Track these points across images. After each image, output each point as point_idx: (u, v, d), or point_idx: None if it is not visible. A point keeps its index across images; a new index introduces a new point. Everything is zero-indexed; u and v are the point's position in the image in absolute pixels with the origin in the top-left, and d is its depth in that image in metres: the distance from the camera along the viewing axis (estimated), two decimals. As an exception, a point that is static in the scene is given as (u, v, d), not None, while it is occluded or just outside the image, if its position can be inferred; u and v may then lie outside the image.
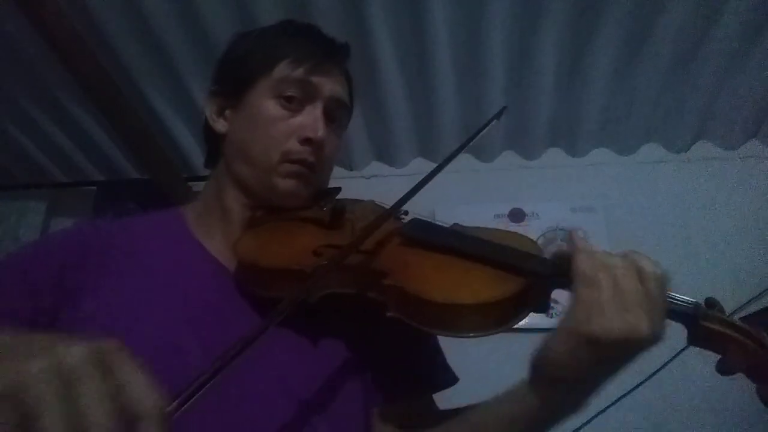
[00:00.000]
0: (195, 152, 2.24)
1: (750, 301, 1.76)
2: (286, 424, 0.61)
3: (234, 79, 0.76)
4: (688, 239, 1.95)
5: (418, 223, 0.68)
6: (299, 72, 0.72)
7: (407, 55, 1.81)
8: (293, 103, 0.72)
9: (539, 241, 2.05)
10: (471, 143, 0.82)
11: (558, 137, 2.13)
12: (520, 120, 2.04)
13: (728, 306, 1.87)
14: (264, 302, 0.66)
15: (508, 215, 2.10)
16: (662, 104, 1.94)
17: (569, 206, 2.07)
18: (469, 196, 2.11)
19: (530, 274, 0.57)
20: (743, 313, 1.72)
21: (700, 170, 2.05)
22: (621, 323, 0.48)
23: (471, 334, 0.55)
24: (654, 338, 0.50)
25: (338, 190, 0.80)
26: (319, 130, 0.71)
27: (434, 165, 2.45)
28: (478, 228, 0.68)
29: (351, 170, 2.30)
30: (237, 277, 0.68)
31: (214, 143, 0.79)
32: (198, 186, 2.23)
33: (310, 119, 0.72)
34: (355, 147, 2.21)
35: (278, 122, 0.72)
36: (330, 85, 0.74)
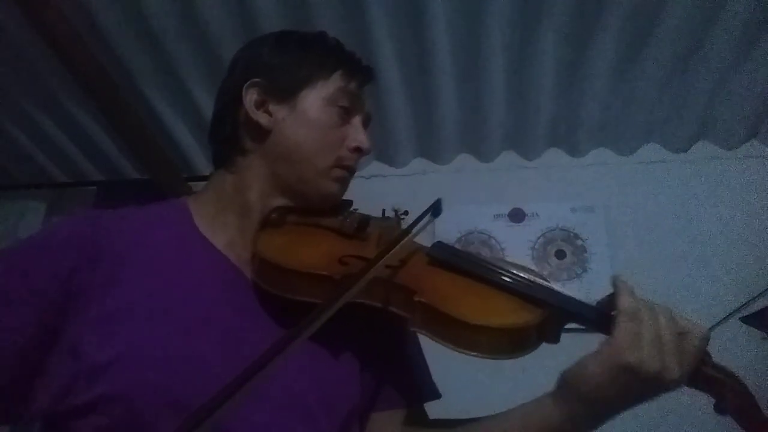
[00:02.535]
0: (195, 152, 2.24)
1: (750, 301, 1.76)
2: None
3: (289, 76, 0.75)
4: (688, 239, 1.95)
5: (444, 247, 0.71)
6: (353, 85, 0.77)
7: (407, 56, 1.81)
8: (343, 113, 0.76)
9: (539, 242, 2.05)
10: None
11: (558, 137, 2.13)
12: (520, 120, 2.04)
13: (728, 306, 1.88)
14: (277, 302, 0.66)
15: (508, 215, 2.10)
16: (662, 104, 1.93)
17: (569, 206, 2.07)
18: (469, 196, 2.11)
19: (552, 307, 0.61)
20: (743, 313, 1.73)
21: (700, 170, 2.05)
22: (656, 361, 0.54)
23: (485, 355, 0.59)
24: (678, 384, 0.56)
25: (351, 202, 0.81)
26: (368, 142, 0.77)
27: (434, 165, 2.44)
28: (495, 259, 0.71)
29: (351, 170, 2.30)
30: (255, 275, 0.68)
31: (235, 136, 0.76)
32: (198, 186, 2.23)
33: (359, 131, 0.77)
34: (355, 147, 2.21)
35: (334, 129, 0.75)
36: (367, 103, 0.81)
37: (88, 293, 0.60)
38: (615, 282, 0.59)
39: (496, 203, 2.12)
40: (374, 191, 2.17)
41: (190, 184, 2.24)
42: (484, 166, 2.21)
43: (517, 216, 2.10)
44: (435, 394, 0.80)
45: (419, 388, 0.78)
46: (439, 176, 2.17)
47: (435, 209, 0.75)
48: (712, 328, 1.61)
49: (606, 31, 1.69)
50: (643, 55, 1.76)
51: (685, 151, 2.09)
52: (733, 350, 1.62)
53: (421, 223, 0.71)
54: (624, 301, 0.57)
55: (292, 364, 0.63)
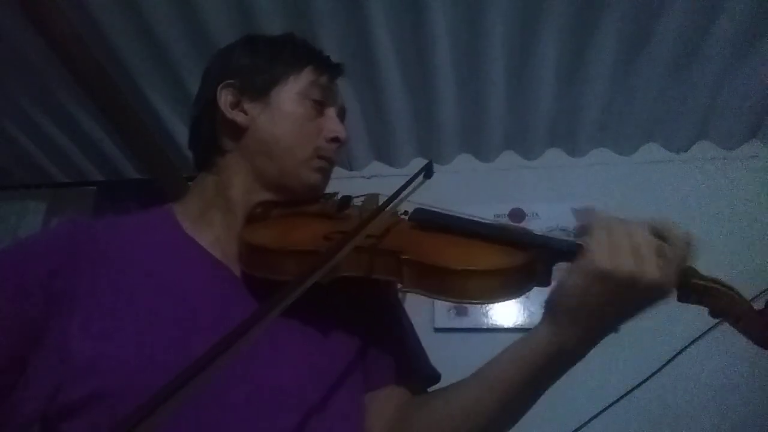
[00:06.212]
0: (195, 152, 2.24)
1: (750, 300, 1.76)
2: (289, 419, 0.62)
3: (260, 74, 0.77)
4: (688, 239, 1.94)
5: (424, 210, 0.74)
6: (324, 79, 0.79)
7: (407, 55, 1.81)
8: (317, 106, 0.78)
9: (539, 241, 2.05)
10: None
11: (558, 137, 2.13)
12: (520, 120, 2.04)
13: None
14: (265, 294, 0.66)
15: (508, 215, 2.10)
16: (662, 104, 1.93)
17: (569, 206, 2.07)
18: (469, 196, 2.11)
19: (534, 247, 0.64)
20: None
21: (700, 170, 2.05)
22: (632, 265, 0.54)
23: (479, 301, 0.61)
24: (661, 288, 0.55)
25: (336, 194, 0.82)
26: (344, 132, 0.79)
27: (434, 165, 2.45)
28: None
29: (351, 170, 2.30)
30: (244, 264, 0.69)
31: (213, 138, 0.78)
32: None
33: (334, 122, 0.80)
34: (355, 147, 2.21)
35: (309, 121, 0.77)
36: (339, 95, 0.83)
37: (73, 296, 0.60)
38: (575, 211, 0.60)
39: (496, 203, 2.12)
40: (374, 191, 2.16)
41: (190, 184, 2.24)
42: (484, 166, 2.21)
43: (517, 216, 2.10)
44: (434, 377, 0.80)
45: (417, 365, 0.79)
46: (439, 176, 2.16)
47: (427, 170, 0.79)
48: (712, 328, 1.61)
49: (606, 31, 1.69)
50: (643, 56, 1.76)
51: (685, 151, 2.09)
52: (733, 350, 1.62)
53: (414, 183, 0.74)
54: (589, 216, 0.58)
55: (286, 353, 0.64)
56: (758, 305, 0.59)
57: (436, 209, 0.73)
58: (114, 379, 0.56)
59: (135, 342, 0.59)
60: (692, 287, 0.58)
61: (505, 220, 2.09)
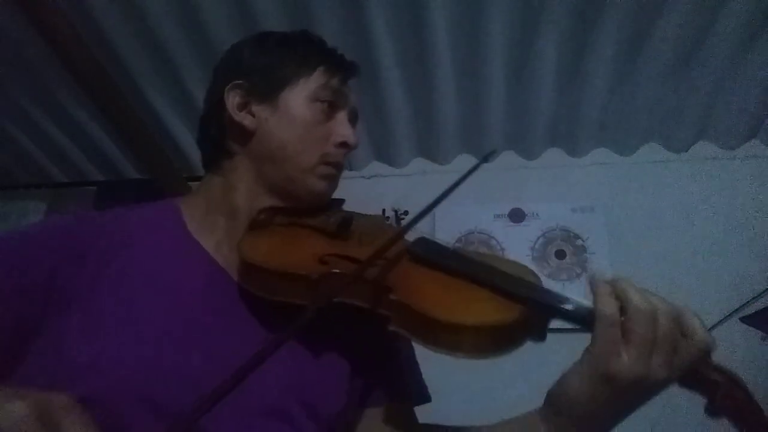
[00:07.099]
0: (195, 152, 2.23)
1: (750, 301, 1.76)
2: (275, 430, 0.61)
3: (270, 75, 0.75)
4: (688, 239, 1.95)
5: (426, 242, 0.70)
6: (335, 81, 0.76)
7: (407, 55, 1.81)
8: (328, 109, 0.76)
9: (539, 242, 2.05)
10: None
11: (558, 137, 2.13)
12: (520, 120, 2.04)
13: (728, 306, 1.87)
14: (264, 304, 0.65)
15: (508, 215, 2.10)
16: (662, 104, 1.93)
17: (569, 206, 2.07)
18: (469, 196, 2.10)
19: (532, 302, 0.58)
20: (743, 313, 1.72)
21: (700, 170, 2.05)
22: (642, 367, 0.49)
23: (468, 356, 0.55)
24: (667, 384, 0.51)
25: (342, 201, 0.81)
26: (353, 137, 0.76)
27: (434, 165, 2.44)
28: (480, 253, 0.70)
29: (351, 170, 2.30)
30: (239, 277, 0.68)
31: (221, 139, 0.76)
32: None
33: (344, 126, 0.76)
34: (355, 147, 2.21)
35: (317, 126, 0.75)
36: (352, 97, 0.80)
37: (71, 293, 0.60)
38: (591, 283, 0.54)
39: (496, 203, 2.12)
40: (374, 191, 2.16)
41: (190, 184, 2.24)
42: (484, 166, 2.20)
43: (517, 216, 2.10)
44: (425, 398, 0.79)
45: (408, 386, 0.77)
46: (439, 176, 2.16)
47: (485, 157, 0.79)
48: (712, 328, 1.61)
49: (606, 31, 1.69)
50: (643, 55, 1.76)
51: (685, 151, 2.09)
52: (733, 350, 1.62)
53: (474, 167, 0.72)
54: (602, 304, 0.52)
55: (271, 372, 0.62)
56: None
57: (437, 242, 0.70)
58: (109, 381, 0.56)
59: (127, 346, 0.58)
60: (693, 377, 0.53)
61: (505, 220, 2.09)
